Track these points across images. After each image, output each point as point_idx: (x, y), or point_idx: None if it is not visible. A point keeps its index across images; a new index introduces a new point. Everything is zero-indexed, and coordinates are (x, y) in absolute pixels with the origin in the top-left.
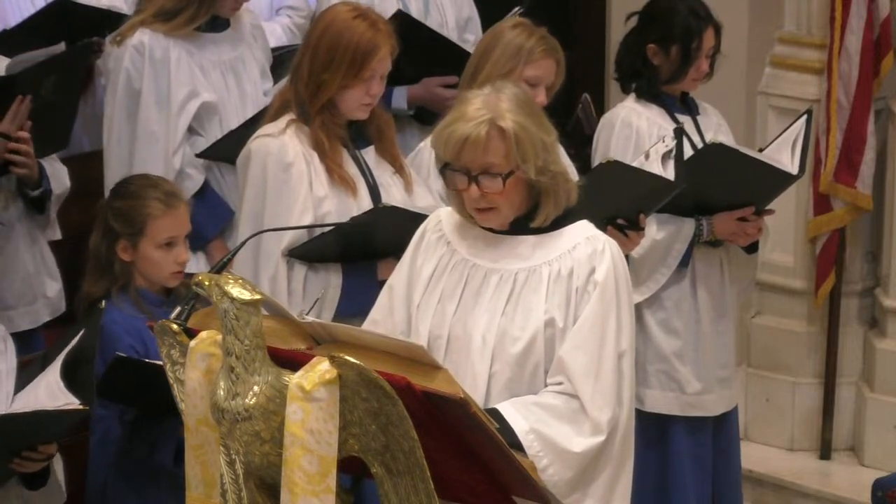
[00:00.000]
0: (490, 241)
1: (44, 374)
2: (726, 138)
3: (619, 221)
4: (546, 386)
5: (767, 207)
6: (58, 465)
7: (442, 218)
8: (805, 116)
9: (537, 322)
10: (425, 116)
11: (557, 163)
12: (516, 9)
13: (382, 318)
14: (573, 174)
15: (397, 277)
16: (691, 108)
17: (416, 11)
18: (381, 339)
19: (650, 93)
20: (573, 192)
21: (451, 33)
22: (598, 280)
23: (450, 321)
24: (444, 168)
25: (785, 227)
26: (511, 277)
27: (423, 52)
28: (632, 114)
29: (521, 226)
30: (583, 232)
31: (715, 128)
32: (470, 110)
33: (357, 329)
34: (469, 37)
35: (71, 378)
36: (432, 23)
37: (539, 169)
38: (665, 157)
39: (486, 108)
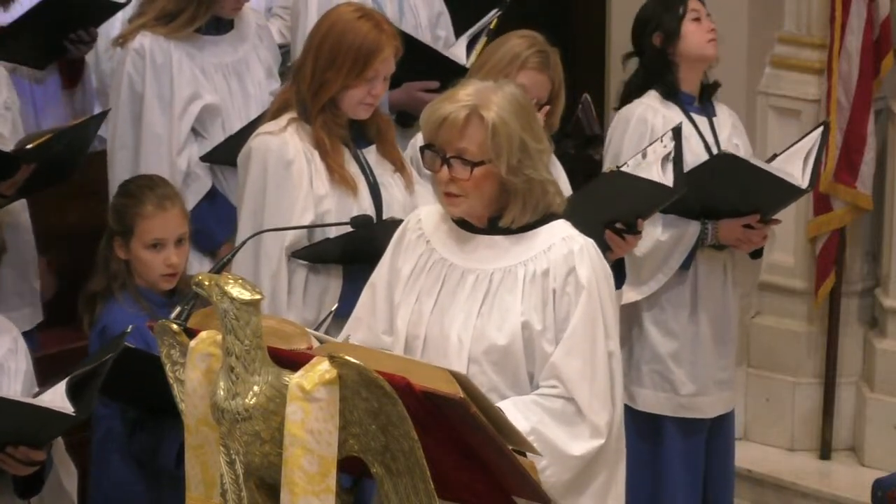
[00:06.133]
0: (467, 241)
1: (61, 383)
2: (741, 140)
3: (618, 226)
4: (537, 388)
5: (774, 217)
6: (69, 481)
7: (422, 217)
8: (821, 128)
9: (514, 324)
10: (406, 120)
11: (537, 170)
12: (494, 10)
13: (366, 316)
14: (566, 191)
15: (378, 276)
16: (707, 110)
17: (390, 13)
18: (422, 365)
19: (668, 92)
20: (554, 203)
21: (424, 32)
22: (583, 284)
23: (426, 321)
24: (424, 148)
25: (785, 227)
26: (487, 277)
27: (413, 63)
28: (648, 111)
29: (497, 225)
30: (559, 232)
31: (730, 129)
32: (460, 93)
33: (401, 357)
34: (441, 33)
35: (76, 389)
36: (407, 25)
37: (511, 168)
38: (664, 159)
39: (476, 95)
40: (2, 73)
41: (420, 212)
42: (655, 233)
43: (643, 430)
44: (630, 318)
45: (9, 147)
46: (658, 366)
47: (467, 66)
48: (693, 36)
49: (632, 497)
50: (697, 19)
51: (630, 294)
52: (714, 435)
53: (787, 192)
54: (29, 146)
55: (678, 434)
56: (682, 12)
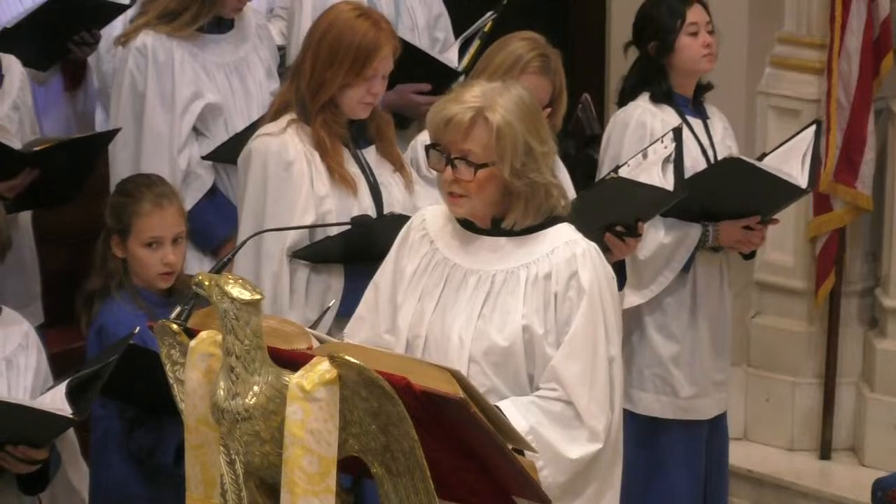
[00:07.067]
0: (470, 241)
1: (62, 385)
2: (733, 142)
3: (618, 229)
4: (537, 389)
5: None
6: (78, 478)
7: (426, 217)
8: (814, 127)
9: (515, 326)
10: (398, 122)
11: (541, 173)
12: (489, 13)
13: (369, 315)
14: (570, 191)
15: (382, 275)
16: (702, 112)
17: (387, 15)
18: (422, 364)
19: (664, 95)
20: (558, 206)
21: (421, 34)
22: (585, 288)
23: (428, 320)
24: (430, 147)
25: (785, 227)
26: (489, 279)
27: (405, 65)
28: (646, 114)
29: (500, 227)
30: (562, 235)
31: (722, 131)
32: (467, 94)
33: (401, 356)
34: (439, 35)
35: (76, 390)
36: (404, 27)
37: (515, 171)
38: (665, 161)
39: (483, 96)
40: (18, 70)
41: (425, 212)
42: (658, 236)
43: (644, 433)
44: (631, 322)
45: (13, 145)
46: (659, 369)
47: (459, 69)
48: (687, 50)
49: (633, 500)
50: (694, 34)
51: (632, 298)
52: (710, 436)
53: (788, 193)
54: (35, 149)
55: (679, 436)
56: (680, 25)
